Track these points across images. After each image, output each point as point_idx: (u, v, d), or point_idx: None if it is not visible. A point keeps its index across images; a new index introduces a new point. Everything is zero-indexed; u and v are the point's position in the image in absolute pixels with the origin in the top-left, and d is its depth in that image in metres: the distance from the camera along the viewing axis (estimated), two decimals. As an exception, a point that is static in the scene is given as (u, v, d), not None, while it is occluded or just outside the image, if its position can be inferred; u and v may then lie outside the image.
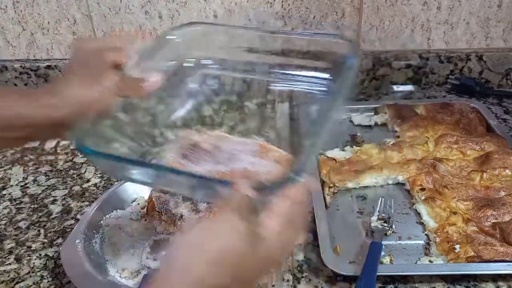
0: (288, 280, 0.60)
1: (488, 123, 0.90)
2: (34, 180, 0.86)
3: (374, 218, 0.71)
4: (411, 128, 0.89)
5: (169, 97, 0.67)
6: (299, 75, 0.67)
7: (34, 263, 0.68)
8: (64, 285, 0.64)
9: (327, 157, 0.82)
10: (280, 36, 0.69)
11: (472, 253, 0.62)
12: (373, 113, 0.98)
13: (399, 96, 1.07)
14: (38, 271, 0.66)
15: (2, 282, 0.65)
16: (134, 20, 1.08)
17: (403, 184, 0.78)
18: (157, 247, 0.67)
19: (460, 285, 0.61)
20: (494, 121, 0.91)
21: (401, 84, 1.09)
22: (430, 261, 0.63)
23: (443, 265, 0.62)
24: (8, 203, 0.80)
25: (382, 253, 0.64)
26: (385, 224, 0.70)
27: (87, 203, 0.79)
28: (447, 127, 0.89)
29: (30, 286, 0.64)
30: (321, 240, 0.65)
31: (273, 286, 0.60)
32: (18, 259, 0.69)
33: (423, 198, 0.73)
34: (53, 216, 0.77)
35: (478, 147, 0.82)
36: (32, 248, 0.70)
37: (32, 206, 0.79)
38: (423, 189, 0.74)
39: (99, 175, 0.86)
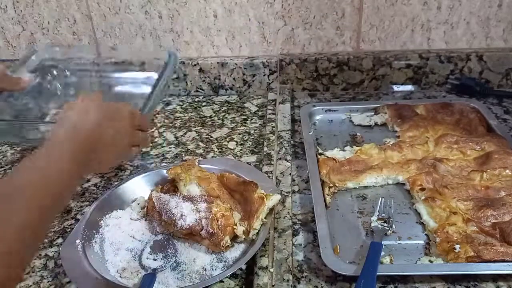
0: (288, 280, 0.60)
1: (488, 123, 0.90)
2: (34, 180, 0.86)
3: (374, 218, 0.71)
4: (411, 128, 0.89)
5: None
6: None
7: (34, 263, 0.68)
8: (64, 285, 0.64)
9: (327, 157, 0.82)
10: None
11: (472, 253, 0.62)
12: (373, 113, 0.98)
13: (399, 96, 1.07)
14: (38, 271, 0.66)
15: (2, 282, 0.65)
16: (134, 20, 1.08)
17: (403, 184, 0.78)
18: (157, 247, 0.67)
19: (460, 285, 0.61)
20: (494, 121, 0.91)
21: (401, 84, 1.09)
22: (430, 261, 0.63)
23: (443, 265, 0.62)
24: (8, 203, 0.80)
25: (382, 253, 0.64)
26: (385, 224, 0.70)
27: (87, 203, 0.79)
28: (447, 127, 0.89)
29: (30, 286, 0.64)
30: (321, 240, 0.65)
31: (273, 286, 0.60)
32: (18, 259, 0.69)
33: (423, 198, 0.73)
34: (53, 216, 0.77)
35: (478, 147, 0.82)
36: (32, 248, 0.70)
37: (32, 206, 0.79)
38: (423, 189, 0.74)
39: (99, 175, 0.86)
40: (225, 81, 1.12)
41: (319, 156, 0.83)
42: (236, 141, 0.94)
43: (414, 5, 1.02)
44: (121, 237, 0.69)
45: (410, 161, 0.80)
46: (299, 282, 0.62)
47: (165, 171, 0.77)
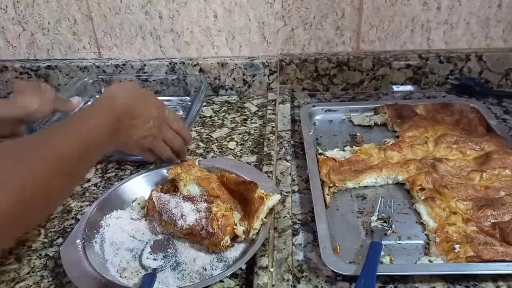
0: (288, 280, 0.60)
1: (488, 123, 0.90)
2: (34, 180, 0.86)
3: (374, 218, 0.71)
4: (411, 128, 0.89)
5: None
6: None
7: (34, 263, 0.68)
8: (64, 285, 0.64)
9: (327, 157, 0.82)
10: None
11: (472, 253, 0.62)
12: (373, 113, 0.98)
13: (399, 96, 1.07)
14: (38, 271, 0.66)
15: (2, 282, 0.65)
16: (134, 20, 1.08)
17: (403, 184, 0.78)
18: (157, 247, 0.67)
19: (460, 285, 0.61)
20: (494, 121, 0.91)
21: (401, 84, 1.09)
22: (430, 261, 0.63)
23: (443, 265, 0.62)
24: (8, 203, 0.80)
25: (382, 253, 0.64)
26: (385, 224, 0.70)
27: (87, 203, 0.79)
28: (447, 127, 0.89)
29: (30, 286, 0.64)
30: (321, 240, 0.65)
31: (273, 286, 0.60)
32: (18, 259, 0.69)
33: (422, 198, 0.73)
34: (53, 216, 0.77)
35: (478, 147, 0.82)
36: (32, 248, 0.70)
37: (32, 206, 0.79)
38: (422, 189, 0.74)
39: (99, 175, 0.86)
40: (225, 81, 1.12)
41: (319, 156, 0.83)
42: (236, 141, 0.94)
43: (414, 5, 1.02)
44: (121, 237, 0.69)
45: (409, 161, 0.80)
46: (299, 282, 0.62)
47: (165, 171, 0.77)
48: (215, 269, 0.64)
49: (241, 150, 0.91)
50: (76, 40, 1.12)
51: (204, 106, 1.08)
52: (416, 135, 0.88)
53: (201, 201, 0.69)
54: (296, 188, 0.79)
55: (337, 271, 0.61)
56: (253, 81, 1.11)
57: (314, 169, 0.79)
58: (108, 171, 0.86)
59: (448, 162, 0.79)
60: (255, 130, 0.98)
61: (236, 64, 1.09)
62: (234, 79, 1.11)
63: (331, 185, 0.77)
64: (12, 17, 1.10)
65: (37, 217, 0.54)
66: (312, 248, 0.67)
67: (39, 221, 0.72)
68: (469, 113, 0.93)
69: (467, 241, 0.64)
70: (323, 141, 0.92)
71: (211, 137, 0.96)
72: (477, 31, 1.05)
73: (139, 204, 0.75)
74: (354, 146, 0.87)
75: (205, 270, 0.64)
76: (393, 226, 0.70)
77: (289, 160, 0.84)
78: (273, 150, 0.86)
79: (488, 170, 0.76)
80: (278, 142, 0.89)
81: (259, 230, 0.67)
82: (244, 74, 1.10)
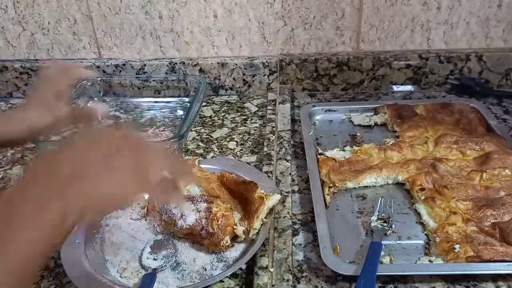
0: (288, 280, 0.60)
1: (488, 123, 0.90)
2: (34, 180, 0.86)
3: (374, 218, 0.71)
4: (411, 128, 0.89)
5: None
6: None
7: (34, 263, 0.68)
8: (64, 285, 0.64)
9: (327, 157, 0.82)
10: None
11: (472, 253, 0.62)
12: (373, 113, 0.98)
13: (399, 96, 1.07)
14: (38, 271, 0.66)
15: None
16: (134, 21, 1.08)
17: (403, 184, 0.78)
18: (157, 247, 0.67)
19: (460, 285, 0.61)
20: (494, 121, 0.91)
21: (401, 84, 1.09)
22: (430, 261, 0.63)
23: (443, 265, 0.62)
24: (8, 203, 0.80)
25: (382, 253, 0.64)
26: (385, 224, 0.70)
27: (87, 203, 0.79)
28: (447, 127, 0.89)
29: (30, 286, 0.64)
30: (321, 240, 0.65)
31: (273, 286, 0.60)
32: (18, 259, 0.69)
33: (422, 198, 0.73)
34: (53, 216, 0.77)
35: (478, 147, 0.82)
36: (32, 248, 0.70)
37: (32, 206, 0.79)
38: (422, 189, 0.74)
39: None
40: (225, 81, 1.12)
41: (319, 156, 0.83)
42: (236, 141, 0.94)
43: (414, 5, 1.02)
44: (121, 237, 0.69)
45: (409, 161, 0.80)
46: (299, 282, 0.62)
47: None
48: (215, 269, 0.64)
49: (241, 150, 0.91)
50: (76, 40, 1.12)
51: (204, 106, 1.08)
52: (416, 135, 0.88)
53: (201, 201, 0.68)
54: (296, 188, 0.79)
55: (337, 271, 0.61)
56: (253, 81, 1.11)
57: (314, 169, 0.79)
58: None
59: (448, 162, 0.79)
60: (255, 130, 0.98)
61: (236, 64, 1.09)
62: (234, 79, 1.11)
63: (331, 185, 0.77)
64: (12, 17, 1.10)
65: None
66: (312, 248, 0.67)
67: None
68: (469, 113, 0.93)
69: (467, 241, 0.64)
70: (323, 141, 0.92)
71: (211, 137, 0.96)
72: (477, 31, 1.05)
73: (139, 204, 0.75)
74: (354, 146, 0.87)
75: (205, 270, 0.64)
76: (393, 226, 0.70)
77: (289, 160, 0.84)
78: (273, 150, 0.86)
79: (488, 170, 0.76)
80: (278, 142, 0.89)
81: (259, 230, 0.67)
82: (244, 74, 1.10)
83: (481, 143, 0.82)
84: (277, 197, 0.71)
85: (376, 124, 0.96)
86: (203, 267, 0.64)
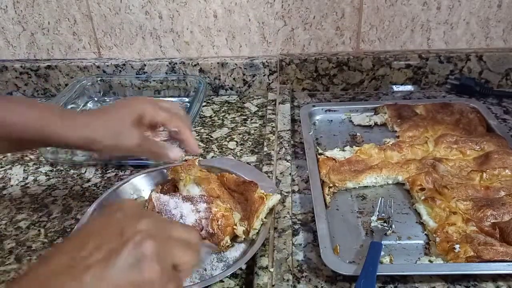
0: (288, 280, 0.60)
1: (488, 123, 0.90)
2: (34, 180, 0.86)
3: (374, 218, 0.71)
4: (411, 128, 0.89)
5: None
6: None
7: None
8: (64, 285, 0.64)
9: (327, 157, 0.82)
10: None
11: (472, 253, 0.62)
12: (373, 113, 0.98)
13: (399, 96, 1.07)
14: None
15: (2, 282, 0.65)
16: (134, 21, 1.08)
17: (403, 184, 0.78)
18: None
19: (460, 285, 0.61)
20: (494, 121, 0.91)
21: (401, 84, 1.09)
22: (430, 261, 0.63)
23: (443, 265, 0.62)
24: (9, 203, 0.80)
25: (382, 253, 0.64)
26: (385, 224, 0.70)
27: (87, 203, 0.79)
28: (447, 127, 0.89)
29: (30, 286, 0.64)
30: (321, 240, 0.65)
31: (273, 286, 0.60)
32: (18, 259, 0.69)
33: (422, 198, 0.73)
34: (53, 216, 0.77)
35: (478, 147, 0.82)
36: (32, 248, 0.70)
37: (33, 206, 0.79)
38: (422, 189, 0.74)
39: (99, 175, 0.86)
40: (225, 81, 1.12)
41: (319, 156, 0.83)
42: (236, 141, 0.94)
43: (414, 5, 1.02)
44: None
45: (409, 161, 0.80)
46: (299, 282, 0.62)
47: (165, 171, 0.77)
48: (215, 269, 0.64)
49: (241, 150, 0.91)
50: (76, 40, 1.12)
51: (204, 106, 1.08)
52: (416, 135, 0.88)
53: (200, 202, 0.68)
54: (296, 188, 0.79)
55: (337, 271, 0.61)
56: (253, 81, 1.11)
57: (314, 169, 0.79)
58: (108, 171, 0.86)
59: (448, 162, 0.79)
60: (255, 130, 0.98)
61: (236, 64, 1.09)
62: (234, 79, 1.11)
63: (331, 185, 0.77)
64: (12, 17, 1.10)
65: None
66: (312, 248, 0.67)
67: None
68: (469, 113, 0.93)
69: (467, 241, 0.64)
70: (323, 141, 0.92)
71: (211, 137, 0.96)
72: (477, 31, 1.05)
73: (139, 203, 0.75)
74: (354, 146, 0.87)
75: (205, 270, 0.64)
76: (393, 226, 0.70)
77: (289, 160, 0.84)
78: (273, 150, 0.86)
79: (488, 170, 0.76)
80: (278, 142, 0.89)
81: (259, 230, 0.67)
82: (244, 74, 1.10)
83: (481, 143, 0.82)
84: (277, 197, 0.71)
85: (376, 124, 0.96)
86: (203, 267, 0.64)
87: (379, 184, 0.79)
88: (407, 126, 0.90)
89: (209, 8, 1.05)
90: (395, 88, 1.09)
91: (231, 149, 0.91)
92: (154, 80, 1.09)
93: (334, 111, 1.00)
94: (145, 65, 1.11)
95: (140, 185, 0.78)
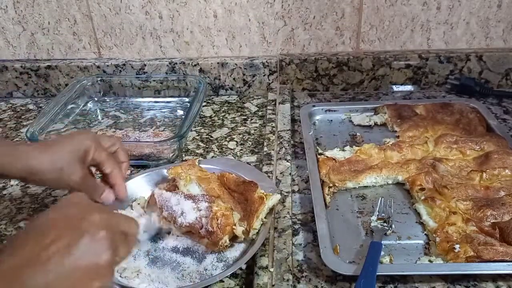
0: (288, 280, 0.60)
1: (488, 123, 0.90)
2: (34, 180, 0.86)
3: (374, 218, 0.71)
4: (411, 128, 0.89)
5: None
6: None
7: (34, 263, 0.68)
8: (64, 285, 0.64)
9: (327, 157, 0.82)
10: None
11: (472, 253, 0.62)
12: (373, 113, 0.98)
13: (399, 96, 1.07)
14: None
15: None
16: (134, 21, 1.08)
17: (403, 184, 0.78)
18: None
19: (460, 285, 0.61)
20: (494, 121, 0.91)
21: (401, 84, 1.09)
22: (430, 261, 0.63)
23: (443, 265, 0.62)
24: (9, 203, 0.80)
25: (382, 253, 0.64)
26: (385, 224, 0.70)
27: (87, 203, 0.79)
28: (447, 127, 0.89)
29: (31, 286, 0.64)
30: (321, 240, 0.65)
31: (273, 286, 0.60)
32: (18, 259, 0.69)
33: (422, 198, 0.73)
34: (53, 216, 0.77)
35: (478, 147, 0.82)
36: (32, 248, 0.70)
37: (33, 206, 0.79)
38: (422, 189, 0.74)
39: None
40: (225, 81, 1.12)
41: (319, 156, 0.83)
42: (236, 141, 0.94)
43: (414, 5, 1.03)
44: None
45: (409, 161, 0.80)
46: (299, 282, 0.62)
47: (165, 171, 0.78)
48: (215, 269, 0.64)
49: (241, 150, 0.91)
50: (76, 40, 1.12)
51: (204, 106, 1.08)
52: (416, 135, 0.88)
53: (202, 201, 0.68)
54: (296, 188, 0.79)
55: (337, 271, 0.61)
56: (253, 81, 1.11)
57: (314, 169, 0.79)
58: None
59: (448, 162, 0.79)
60: (255, 130, 0.98)
61: (236, 64, 1.09)
62: (234, 79, 1.11)
63: (331, 185, 0.77)
64: (12, 17, 1.10)
65: None
66: (312, 248, 0.67)
67: None
68: (469, 113, 0.93)
69: (467, 241, 0.64)
70: (323, 141, 0.92)
71: (211, 137, 0.96)
72: (477, 31, 1.05)
73: (139, 204, 0.75)
74: (354, 146, 0.87)
75: (205, 270, 0.64)
76: (393, 226, 0.70)
77: (289, 160, 0.84)
78: (273, 150, 0.86)
79: (488, 170, 0.76)
80: (278, 142, 0.89)
81: (259, 230, 0.67)
82: (244, 74, 1.10)
83: (481, 143, 0.82)
84: (277, 197, 0.71)
85: (376, 124, 0.96)
86: (203, 267, 0.64)
87: (379, 184, 0.79)
88: (407, 126, 0.90)
89: (209, 8, 1.05)
90: (395, 88, 1.09)
91: (231, 149, 0.91)
92: (154, 80, 1.09)
93: (334, 111, 1.00)
94: (145, 65, 1.11)
95: (140, 185, 0.78)
